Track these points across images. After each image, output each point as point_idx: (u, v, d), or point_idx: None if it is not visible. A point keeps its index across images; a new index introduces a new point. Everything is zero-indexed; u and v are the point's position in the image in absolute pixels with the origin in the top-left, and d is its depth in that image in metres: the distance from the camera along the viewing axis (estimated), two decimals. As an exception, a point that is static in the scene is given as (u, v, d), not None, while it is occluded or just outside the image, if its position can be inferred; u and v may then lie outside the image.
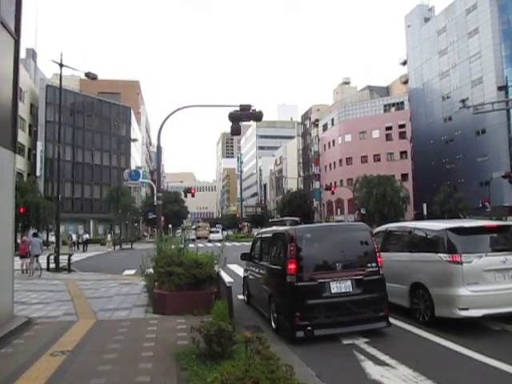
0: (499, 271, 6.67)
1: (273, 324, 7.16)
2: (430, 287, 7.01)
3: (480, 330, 6.72)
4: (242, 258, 9.73)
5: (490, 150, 52.40)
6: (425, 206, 47.21)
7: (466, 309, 6.49)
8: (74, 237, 40.89)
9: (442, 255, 6.89)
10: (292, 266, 6.53)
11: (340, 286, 6.53)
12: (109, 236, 45.70)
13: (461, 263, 6.62)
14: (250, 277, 9.25)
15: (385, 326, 6.66)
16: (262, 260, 8.40)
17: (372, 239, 7.08)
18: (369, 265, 6.77)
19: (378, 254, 6.95)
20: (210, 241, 50.21)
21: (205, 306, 7.37)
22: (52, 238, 35.81)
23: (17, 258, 18.15)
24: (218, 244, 18.36)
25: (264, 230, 10.98)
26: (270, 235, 8.33)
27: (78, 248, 38.33)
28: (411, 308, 7.50)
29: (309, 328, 6.28)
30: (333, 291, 6.49)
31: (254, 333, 4.66)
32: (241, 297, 10.06)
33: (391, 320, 6.87)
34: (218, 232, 57.15)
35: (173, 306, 8.01)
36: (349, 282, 6.57)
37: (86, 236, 41.88)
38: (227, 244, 13.32)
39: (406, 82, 75.47)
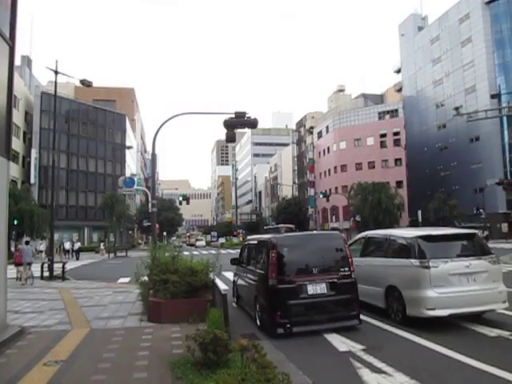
0: (463, 275, 7.28)
1: (257, 322, 7.80)
2: (402, 289, 7.64)
3: (476, 336, 6.72)
4: (231, 263, 10.35)
5: (484, 157, 52.77)
6: (419, 212, 47.38)
7: (433, 309, 7.13)
8: (67, 245, 39.82)
9: (412, 260, 7.51)
10: (273, 270, 7.24)
11: (316, 288, 7.23)
12: (101, 244, 45.21)
13: (429, 268, 7.23)
14: (239, 280, 9.83)
15: (357, 323, 7.36)
16: (249, 265, 9.04)
17: (345, 246, 7.81)
18: (342, 269, 7.47)
19: (350, 260, 7.61)
20: (196, 247, 61.19)
21: (200, 314, 7.30)
22: (41, 247, 35.05)
23: (12, 266, 18.23)
24: (213, 251, 18.53)
25: (251, 237, 11.87)
26: (256, 242, 9.05)
27: (72, 256, 37.89)
28: (387, 308, 8.12)
29: (288, 325, 6.97)
30: (309, 293, 7.19)
31: (250, 341, 4.61)
32: (235, 305, 10.01)
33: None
34: (202, 240, 74.61)
35: (168, 314, 7.94)
36: (324, 285, 7.27)
37: (78, 244, 40.50)
38: (222, 251, 13.47)
39: (400, 90, 76.04)
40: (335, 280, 7.33)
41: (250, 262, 9.04)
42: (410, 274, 7.51)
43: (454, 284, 7.21)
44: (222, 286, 7.30)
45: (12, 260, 19.59)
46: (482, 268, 7.42)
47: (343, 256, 7.62)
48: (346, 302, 7.34)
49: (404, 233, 8.64)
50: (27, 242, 19.21)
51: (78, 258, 36.37)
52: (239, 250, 11.04)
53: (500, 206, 49.41)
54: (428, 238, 7.76)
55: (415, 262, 7.43)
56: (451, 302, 7.12)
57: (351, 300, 7.39)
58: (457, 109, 28.05)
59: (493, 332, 6.84)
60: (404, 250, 7.92)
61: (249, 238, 12.26)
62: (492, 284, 7.46)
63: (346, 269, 7.48)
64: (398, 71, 75.66)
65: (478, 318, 7.68)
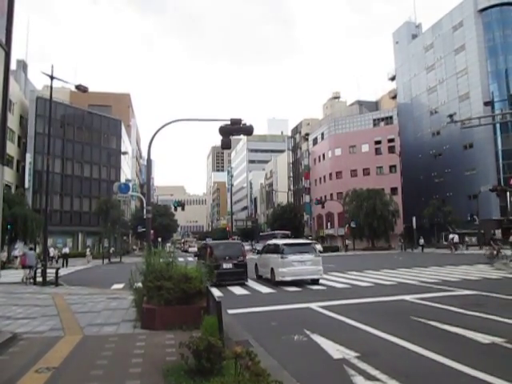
0: (299, 261, 15.59)
1: None
2: (274, 268, 15.85)
3: (470, 343, 6.72)
4: (194, 256, 17.53)
5: (478, 163, 53.09)
6: (414, 219, 47.52)
7: (284, 277, 15.30)
8: (51, 251, 36.52)
9: (279, 255, 15.81)
10: (209, 257, 15.07)
11: (227, 265, 16.10)
12: (87, 250, 44.25)
13: (283, 258, 15.55)
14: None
15: (245, 281, 16.42)
16: (202, 257, 16.62)
17: (242, 247, 17.99)
18: (239, 257, 16.61)
19: (244, 254, 17.08)
20: (189, 253, 63.26)
21: (194, 321, 7.25)
22: (15, 252, 34.52)
23: (13, 270, 19.12)
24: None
25: (202, 242, 22.59)
26: (204, 246, 19.19)
27: (57, 262, 35.48)
28: (271, 278, 16.17)
29: (215, 282, 13.76)
30: (224, 267, 15.91)
31: (244, 348, 4.59)
32: (230, 311, 9.98)
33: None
34: (194, 246, 78.44)
35: (162, 320, 7.88)
36: (231, 264, 16.22)
37: (66, 249, 37.97)
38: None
39: (394, 97, 76.51)
40: (236, 262, 16.33)
41: (202, 255, 17.38)
42: (277, 261, 15.77)
43: (294, 266, 15.48)
44: (216, 292, 7.27)
45: (8, 265, 21.38)
46: (309, 259, 15.83)
47: (241, 252, 17.04)
48: (241, 272, 16.35)
49: (279, 242, 17.63)
50: (31, 248, 22.45)
51: (65, 265, 33.26)
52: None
53: (494, 213, 49.65)
54: (287, 245, 16.52)
55: (279, 255, 15.78)
56: (292, 273, 15.37)
57: (243, 271, 16.49)
58: (451, 116, 28.19)
59: (486, 339, 6.85)
60: (278, 250, 16.22)
61: (202, 242, 25.27)
62: (315, 266, 15.79)
63: (241, 257, 16.69)
64: (393, 78, 76.18)
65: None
